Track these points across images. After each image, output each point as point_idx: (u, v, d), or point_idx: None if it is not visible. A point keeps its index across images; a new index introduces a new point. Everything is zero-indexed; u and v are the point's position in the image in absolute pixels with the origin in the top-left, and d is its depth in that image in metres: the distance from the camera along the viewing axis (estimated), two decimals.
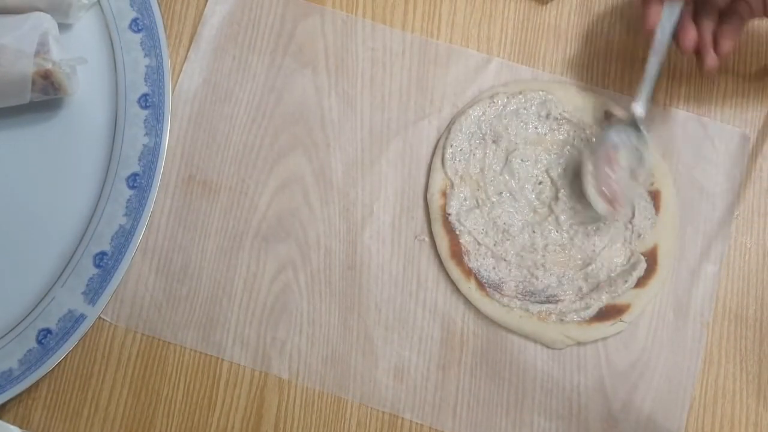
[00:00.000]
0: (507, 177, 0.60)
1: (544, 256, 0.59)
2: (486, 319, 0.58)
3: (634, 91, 0.58)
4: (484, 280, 0.58)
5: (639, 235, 0.59)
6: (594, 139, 0.60)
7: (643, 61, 0.61)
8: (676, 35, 0.57)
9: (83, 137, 0.60)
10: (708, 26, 0.57)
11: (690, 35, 0.56)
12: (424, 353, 0.58)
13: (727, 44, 0.57)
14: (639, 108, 0.58)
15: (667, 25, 0.56)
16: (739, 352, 0.59)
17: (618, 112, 0.61)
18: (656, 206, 0.60)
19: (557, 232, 0.60)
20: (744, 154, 0.62)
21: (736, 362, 0.58)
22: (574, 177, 0.60)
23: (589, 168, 0.58)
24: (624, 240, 0.59)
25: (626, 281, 0.58)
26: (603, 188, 0.57)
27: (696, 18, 0.57)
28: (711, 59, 0.57)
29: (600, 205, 0.57)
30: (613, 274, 0.59)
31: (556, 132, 0.61)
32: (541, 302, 0.58)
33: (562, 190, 0.60)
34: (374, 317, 0.59)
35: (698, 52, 0.57)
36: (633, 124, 0.58)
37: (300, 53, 0.63)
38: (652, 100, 0.59)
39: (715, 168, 0.61)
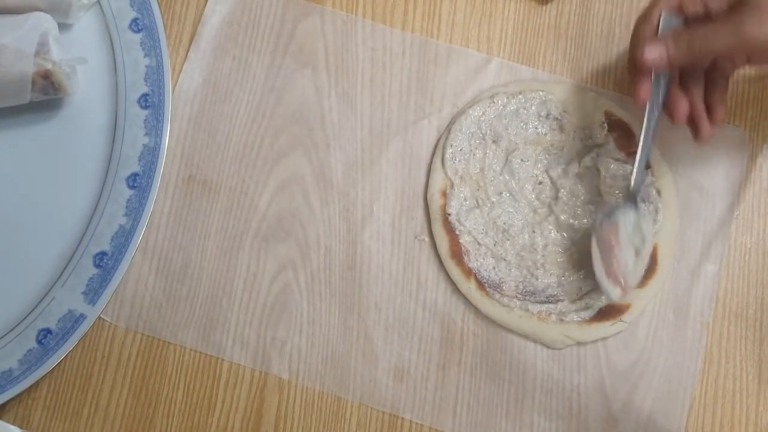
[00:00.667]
0: (507, 177, 0.60)
1: (544, 256, 0.59)
2: (486, 319, 0.58)
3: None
4: (484, 280, 0.58)
5: None
6: (596, 225, 0.58)
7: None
8: (668, 107, 0.55)
9: (83, 137, 0.60)
10: (698, 93, 0.56)
11: (682, 106, 0.55)
12: (424, 353, 0.58)
13: (720, 111, 0.56)
14: (634, 185, 0.56)
15: (657, 97, 0.55)
16: (739, 352, 0.59)
17: (618, 112, 0.61)
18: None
19: (557, 232, 0.60)
20: (744, 154, 0.62)
21: (736, 362, 0.59)
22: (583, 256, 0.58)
23: (596, 254, 0.56)
24: None
25: None
26: (611, 271, 0.56)
27: (683, 84, 0.56)
28: (707, 129, 0.56)
29: (613, 291, 0.55)
30: None
31: (556, 132, 0.61)
32: (541, 302, 0.58)
33: (562, 190, 0.60)
34: (374, 317, 0.59)
35: (691, 121, 0.56)
36: (630, 200, 0.57)
37: (300, 53, 0.63)
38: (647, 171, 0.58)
39: (715, 168, 0.61)
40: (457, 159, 0.60)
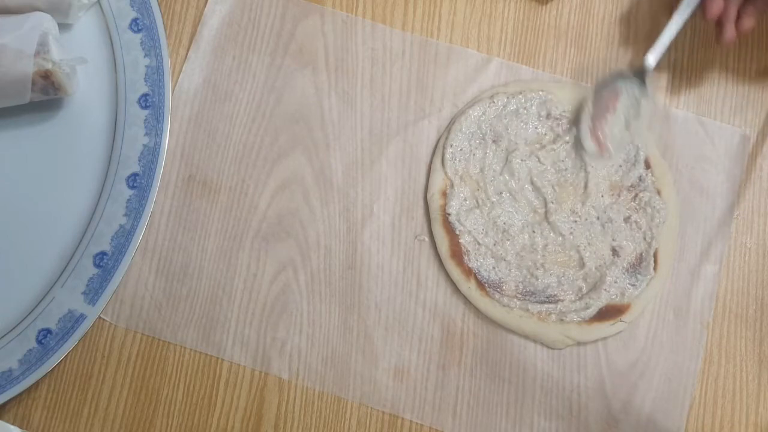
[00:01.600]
0: (507, 177, 0.60)
1: (543, 256, 0.59)
2: (486, 319, 0.58)
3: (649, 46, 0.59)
4: (484, 280, 0.58)
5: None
6: (600, 83, 0.61)
7: (644, 59, 0.61)
8: (704, 2, 0.58)
9: (83, 137, 0.60)
10: (735, 1, 0.58)
11: (717, 4, 0.57)
12: (424, 353, 0.58)
13: (748, 21, 0.58)
14: (651, 59, 0.59)
15: None
16: (739, 352, 0.59)
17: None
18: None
19: (557, 232, 0.60)
20: (744, 154, 0.62)
21: (736, 362, 0.59)
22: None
23: (589, 108, 0.59)
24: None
25: None
26: (597, 130, 0.59)
27: None
28: (730, 32, 0.58)
29: (590, 144, 0.59)
30: None
31: (556, 132, 0.61)
32: (541, 302, 0.58)
33: (550, 198, 0.60)
34: (374, 317, 0.59)
35: (719, 22, 0.59)
36: (639, 75, 0.59)
37: (300, 53, 0.63)
38: (665, 56, 0.60)
39: (715, 168, 0.62)
40: (457, 159, 0.60)
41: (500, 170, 0.60)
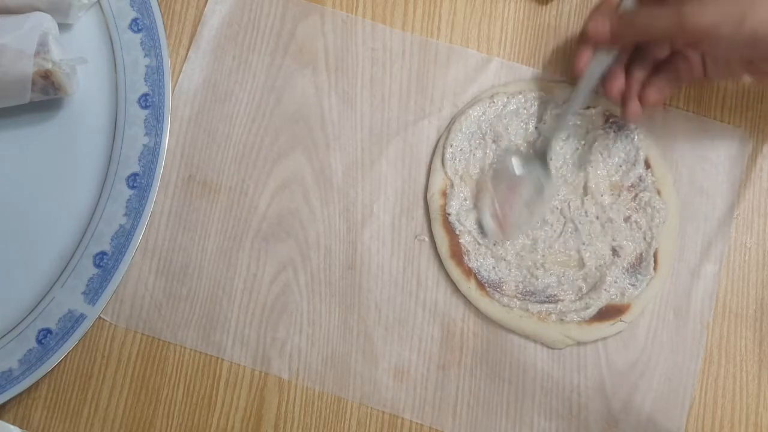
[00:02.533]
0: None
1: (544, 256, 0.59)
2: (486, 319, 0.58)
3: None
4: (484, 280, 0.58)
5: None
6: (503, 163, 0.60)
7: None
8: (604, 80, 0.57)
9: (83, 137, 0.60)
10: (638, 75, 0.57)
11: (616, 84, 0.56)
12: (424, 353, 0.58)
13: (653, 95, 0.57)
14: (543, 145, 0.58)
15: (595, 71, 0.56)
16: (739, 352, 0.59)
17: (617, 112, 0.61)
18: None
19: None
20: (744, 154, 0.62)
21: (736, 362, 0.59)
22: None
23: (489, 190, 0.58)
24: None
25: None
26: (499, 213, 0.58)
27: (629, 66, 0.57)
28: (633, 107, 0.57)
29: (491, 228, 0.58)
30: None
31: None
32: (541, 302, 0.58)
33: (562, 189, 0.60)
34: (374, 317, 0.59)
35: (623, 98, 0.58)
36: (542, 157, 0.58)
37: (300, 53, 0.63)
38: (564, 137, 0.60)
39: (715, 168, 0.62)
40: (457, 159, 0.60)
41: None
